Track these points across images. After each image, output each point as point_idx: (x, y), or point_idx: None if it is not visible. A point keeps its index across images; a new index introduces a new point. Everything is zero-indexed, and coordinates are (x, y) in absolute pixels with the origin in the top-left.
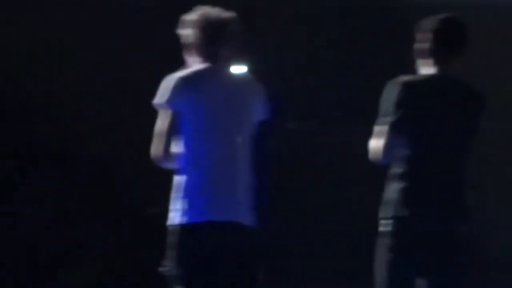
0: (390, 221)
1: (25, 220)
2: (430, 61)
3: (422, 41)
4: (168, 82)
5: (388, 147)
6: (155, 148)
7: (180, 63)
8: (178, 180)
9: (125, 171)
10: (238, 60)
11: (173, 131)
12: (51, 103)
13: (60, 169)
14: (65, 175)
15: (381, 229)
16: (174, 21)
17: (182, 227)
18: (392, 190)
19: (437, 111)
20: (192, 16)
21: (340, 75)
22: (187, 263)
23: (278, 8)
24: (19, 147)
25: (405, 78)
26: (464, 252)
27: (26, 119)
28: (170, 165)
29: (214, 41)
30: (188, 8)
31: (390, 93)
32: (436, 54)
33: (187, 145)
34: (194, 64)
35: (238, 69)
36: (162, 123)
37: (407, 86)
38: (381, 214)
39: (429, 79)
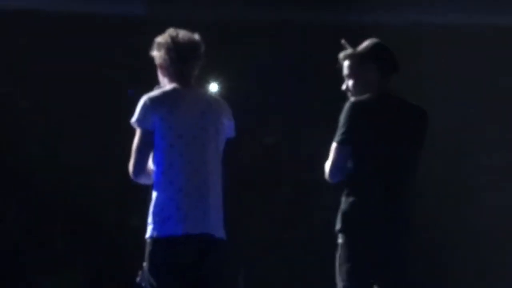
0: (342, 234)
1: (7, 227)
2: (371, 82)
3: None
4: (140, 102)
5: (335, 165)
6: (130, 165)
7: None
8: (153, 195)
9: (106, 183)
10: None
11: (145, 148)
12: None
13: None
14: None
15: (338, 241)
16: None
17: (154, 240)
18: (344, 203)
19: (384, 129)
20: (162, 38)
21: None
22: (159, 275)
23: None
24: None
25: (355, 98)
26: (408, 260)
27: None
28: (145, 180)
29: (182, 62)
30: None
31: (343, 112)
32: (377, 76)
33: (160, 162)
34: (166, 84)
35: (211, 88)
36: (135, 141)
37: (355, 105)
38: (337, 226)
39: (375, 98)
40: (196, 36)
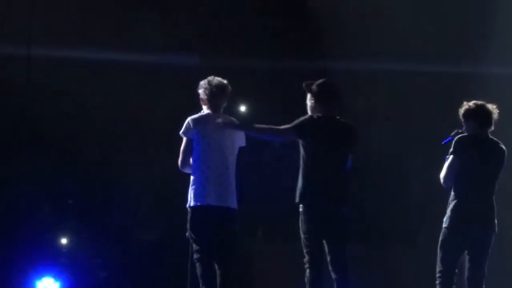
0: (301, 205)
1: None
2: (320, 108)
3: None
4: (186, 120)
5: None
6: (179, 161)
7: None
8: (191, 179)
9: None
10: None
11: (188, 150)
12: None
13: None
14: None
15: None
16: None
17: (191, 208)
18: (299, 181)
19: (327, 135)
20: (202, 81)
21: None
22: (195, 232)
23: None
24: None
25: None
26: (347, 226)
27: None
28: (187, 171)
29: (213, 98)
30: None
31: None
32: (323, 105)
33: (196, 159)
34: (204, 111)
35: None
36: (182, 146)
37: (311, 118)
38: (296, 200)
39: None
40: (225, 81)
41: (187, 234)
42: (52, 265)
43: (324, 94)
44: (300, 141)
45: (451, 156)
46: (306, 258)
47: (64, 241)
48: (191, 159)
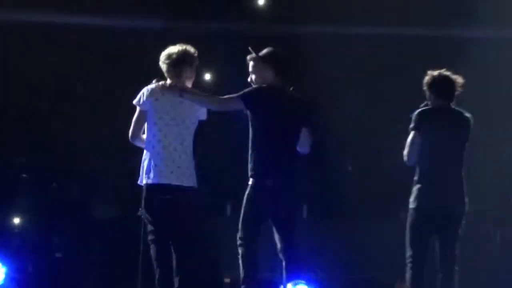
0: (250, 180)
1: None
2: (270, 78)
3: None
4: (142, 90)
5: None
6: (130, 131)
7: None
8: (144, 153)
9: None
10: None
11: (138, 122)
12: None
13: None
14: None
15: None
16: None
17: (144, 186)
18: (250, 160)
19: (276, 107)
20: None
21: None
22: (149, 211)
23: None
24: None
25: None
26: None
27: None
28: (138, 144)
29: (174, 66)
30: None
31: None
32: (277, 74)
33: (148, 132)
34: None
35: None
36: (134, 116)
37: (260, 88)
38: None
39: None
40: (187, 48)
41: (138, 213)
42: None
43: (279, 63)
44: (248, 114)
45: (412, 132)
46: (240, 234)
47: (16, 220)
48: (143, 132)
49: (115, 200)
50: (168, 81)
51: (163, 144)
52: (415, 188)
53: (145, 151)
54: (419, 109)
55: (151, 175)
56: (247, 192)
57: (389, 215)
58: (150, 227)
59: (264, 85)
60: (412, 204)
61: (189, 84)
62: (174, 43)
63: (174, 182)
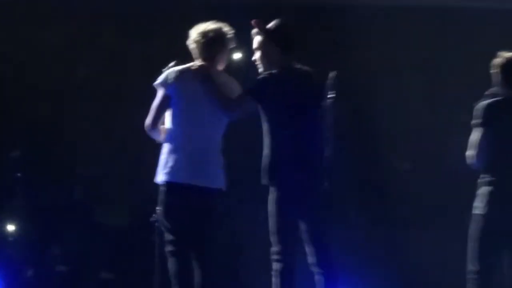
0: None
1: None
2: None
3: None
4: (167, 70)
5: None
6: (147, 119)
7: None
8: (164, 146)
9: None
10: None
11: (161, 108)
12: None
13: None
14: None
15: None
16: None
17: (165, 185)
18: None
19: (295, 92)
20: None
21: None
22: (170, 216)
23: None
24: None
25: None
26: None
27: None
28: (155, 135)
29: (206, 47)
30: None
31: None
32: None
33: (172, 122)
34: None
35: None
36: (155, 101)
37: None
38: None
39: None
40: (221, 26)
41: (152, 218)
42: None
43: (288, 39)
44: (261, 109)
45: (478, 129)
46: (276, 249)
47: (9, 227)
48: (163, 122)
49: (124, 203)
50: (198, 62)
51: (190, 136)
52: (483, 191)
53: (165, 144)
54: (486, 101)
55: (172, 172)
56: (273, 197)
57: (450, 223)
58: (168, 236)
59: (274, 71)
60: (480, 209)
61: (220, 68)
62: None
63: (201, 182)
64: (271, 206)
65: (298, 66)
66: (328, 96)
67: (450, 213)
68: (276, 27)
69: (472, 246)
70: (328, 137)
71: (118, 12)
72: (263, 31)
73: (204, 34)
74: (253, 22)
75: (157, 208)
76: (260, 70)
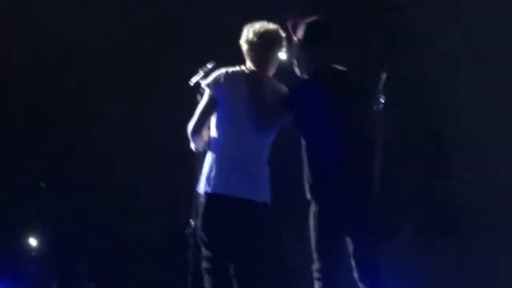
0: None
1: None
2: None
3: None
4: (217, 71)
5: None
6: (191, 123)
7: None
8: (208, 155)
9: None
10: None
11: (207, 111)
12: None
13: None
14: None
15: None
16: None
17: (207, 195)
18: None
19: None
20: (247, 26)
21: None
22: (210, 230)
23: None
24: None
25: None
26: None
27: None
28: (197, 142)
29: (257, 49)
30: None
31: None
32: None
33: (217, 129)
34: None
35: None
36: (202, 103)
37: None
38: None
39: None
40: (275, 27)
41: (188, 230)
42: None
43: (323, 37)
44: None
45: None
46: (317, 266)
47: (32, 241)
48: (208, 127)
49: (155, 214)
50: (248, 66)
51: (236, 144)
52: None
53: (209, 153)
54: None
55: (216, 183)
56: (312, 211)
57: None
58: (206, 252)
59: (304, 77)
60: None
61: (271, 73)
62: None
63: (246, 195)
64: (311, 221)
65: (333, 66)
66: (379, 99)
67: None
68: (303, 26)
69: None
70: (378, 144)
71: None
72: (290, 35)
73: (261, 35)
74: (288, 24)
75: (190, 220)
76: (297, 73)
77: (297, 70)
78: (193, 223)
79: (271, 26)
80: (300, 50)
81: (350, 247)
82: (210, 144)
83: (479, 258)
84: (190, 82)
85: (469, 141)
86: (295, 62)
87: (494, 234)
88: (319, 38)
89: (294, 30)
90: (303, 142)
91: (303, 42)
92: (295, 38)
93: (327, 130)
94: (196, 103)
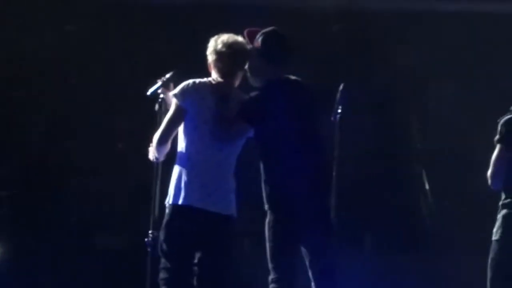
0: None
1: None
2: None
3: None
4: (186, 82)
5: None
6: (157, 133)
7: None
8: (175, 166)
9: None
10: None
11: (175, 122)
12: None
13: None
14: None
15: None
16: None
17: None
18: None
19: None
20: (212, 38)
21: None
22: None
23: None
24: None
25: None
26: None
27: None
28: (162, 151)
29: (223, 61)
30: None
31: None
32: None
33: (184, 140)
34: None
35: None
36: (170, 113)
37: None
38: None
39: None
40: (240, 39)
41: (148, 239)
42: None
43: (272, 49)
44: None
45: (498, 146)
46: (272, 277)
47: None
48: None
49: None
50: (215, 77)
51: (203, 157)
52: (499, 215)
53: (176, 165)
54: (508, 116)
55: (181, 194)
56: (267, 221)
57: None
58: (164, 263)
59: (259, 88)
60: (495, 235)
61: (236, 84)
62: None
63: (211, 208)
64: (267, 231)
65: (288, 77)
66: (336, 109)
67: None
68: (262, 35)
69: (488, 274)
70: (335, 154)
71: None
72: (250, 40)
73: (230, 45)
74: (245, 32)
75: (150, 231)
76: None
77: (251, 79)
78: (155, 233)
79: (238, 38)
80: (257, 58)
81: (307, 259)
82: (177, 155)
83: (441, 272)
84: (147, 93)
85: (433, 153)
86: (249, 70)
87: (456, 247)
88: (277, 47)
89: (252, 38)
90: (259, 151)
91: (260, 50)
92: (252, 46)
93: (282, 139)
94: (154, 114)
